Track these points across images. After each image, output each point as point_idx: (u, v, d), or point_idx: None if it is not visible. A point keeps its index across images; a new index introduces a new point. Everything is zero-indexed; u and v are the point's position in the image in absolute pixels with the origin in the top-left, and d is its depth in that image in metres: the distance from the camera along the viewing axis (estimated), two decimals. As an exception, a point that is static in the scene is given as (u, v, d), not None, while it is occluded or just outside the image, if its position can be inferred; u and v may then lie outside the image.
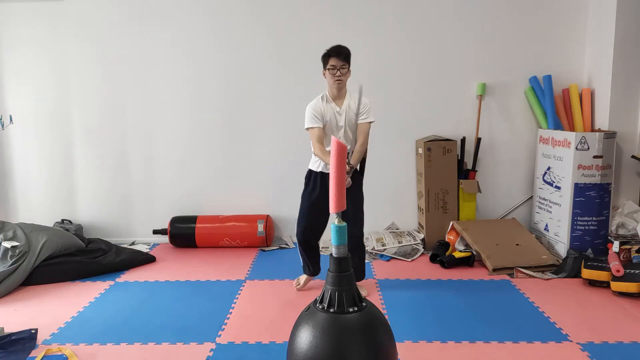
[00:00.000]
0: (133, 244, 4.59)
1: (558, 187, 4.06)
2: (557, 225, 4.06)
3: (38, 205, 4.64)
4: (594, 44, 4.25)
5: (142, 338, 2.82)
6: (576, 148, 3.85)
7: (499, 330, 2.85)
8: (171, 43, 4.43)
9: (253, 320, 3.03)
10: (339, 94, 3.15)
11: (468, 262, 3.88)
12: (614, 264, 3.35)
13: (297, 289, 3.44)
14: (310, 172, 3.25)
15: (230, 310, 3.18)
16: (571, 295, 3.34)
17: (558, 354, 2.60)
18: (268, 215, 4.48)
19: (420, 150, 4.36)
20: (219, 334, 2.85)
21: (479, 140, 4.40)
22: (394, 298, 3.32)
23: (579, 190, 3.89)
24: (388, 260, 4.07)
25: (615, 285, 3.28)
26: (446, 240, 4.19)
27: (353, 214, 3.04)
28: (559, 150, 4.04)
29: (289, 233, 4.55)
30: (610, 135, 3.87)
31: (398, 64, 4.41)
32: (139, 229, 4.65)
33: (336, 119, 3.15)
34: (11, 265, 3.51)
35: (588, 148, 3.84)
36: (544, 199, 4.26)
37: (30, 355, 2.63)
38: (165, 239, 4.57)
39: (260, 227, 4.36)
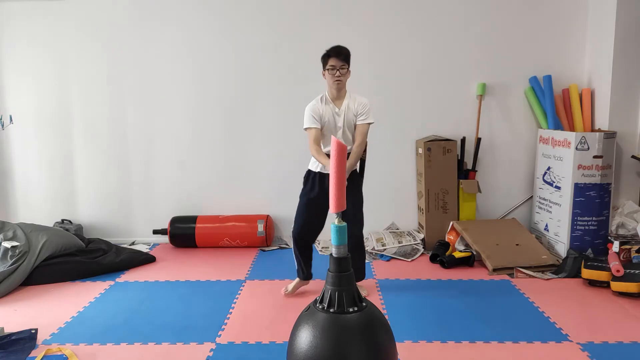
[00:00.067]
0: (133, 244, 4.59)
1: (558, 187, 4.06)
2: (557, 225, 4.06)
3: (38, 205, 4.64)
4: (594, 44, 4.25)
5: (142, 338, 2.82)
6: (576, 148, 3.85)
7: (499, 330, 2.85)
8: (172, 43, 4.43)
9: (253, 320, 3.03)
10: (338, 94, 3.15)
11: (468, 262, 3.88)
12: (614, 264, 3.35)
13: (285, 295, 3.36)
14: (309, 172, 3.25)
15: (230, 310, 3.18)
16: (571, 295, 3.34)
17: (558, 354, 2.60)
18: (268, 215, 4.48)
19: (420, 150, 4.36)
20: (219, 334, 2.85)
21: (479, 140, 4.40)
22: (394, 298, 3.32)
23: (579, 190, 3.89)
24: (388, 260, 4.07)
25: (615, 285, 3.28)
26: (446, 240, 4.19)
27: (353, 214, 3.04)
28: (559, 150, 4.04)
29: (289, 233, 4.54)
30: (610, 135, 3.87)
31: (398, 64, 4.41)
32: (139, 229, 4.65)
33: (335, 120, 3.14)
34: (11, 265, 3.51)
35: (588, 148, 3.84)
36: (544, 199, 4.26)
37: (30, 355, 2.63)
38: (165, 239, 4.57)
39: (260, 227, 4.37)
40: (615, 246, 3.63)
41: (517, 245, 3.96)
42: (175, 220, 4.46)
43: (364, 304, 1.96)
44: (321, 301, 1.96)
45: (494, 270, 3.72)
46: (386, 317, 2.46)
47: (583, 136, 3.85)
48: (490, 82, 4.41)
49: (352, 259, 2.04)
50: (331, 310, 1.90)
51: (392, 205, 4.58)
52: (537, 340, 2.73)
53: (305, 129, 3.15)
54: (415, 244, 4.26)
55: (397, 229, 4.55)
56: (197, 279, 3.73)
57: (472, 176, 4.40)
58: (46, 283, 3.63)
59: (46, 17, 4.40)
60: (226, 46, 4.43)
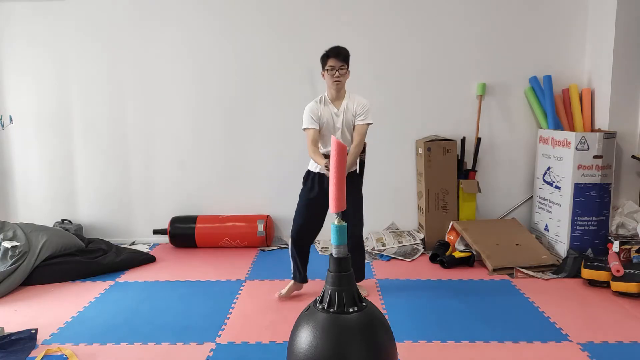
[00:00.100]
0: (133, 244, 4.59)
1: (558, 187, 4.06)
2: (557, 225, 4.06)
3: (38, 205, 4.64)
4: (594, 44, 4.25)
5: (142, 338, 2.82)
6: (576, 148, 3.85)
7: (499, 330, 2.85)
8: (172, 43, 4.43)
9: (253, 320, 3.03)
10: (337, 94, 3.14)
11: (468, 262, 3.88)
12: (614, 264, 3.35)
13: (280, 299, 3.29)
14: (308, 172, 3.24)
15: (230, 310, 3.18)
16: (571, 295, 3.34)
17: (558, 354, 2.60)
18: (268, 215, 4.48)
19: (420, 150, 4.36)
20: (219, 334, 2.85)
21: (479, 140, 4.40)
22: (394, 298, 3.32)
23: (579, 190, 3.89)
24: (388, 260, 4.07)
25: (615, 285, 3.28)
26: (446, 240, 4.19)
27: (353, 215, 3.03)
28: (559, 150, 4.04)
29: (289, 233, 4.53)
30: (610, 135, 3.87)
31: (398, 64, 4.41)
32: (139, 229, 4.65)
33: (333, 121, 3.13)
34: (11, 265, 3.51)
35: (588, 148, 3.84)
36: (544, 199, 4.26)
37: (30, 355, 2.63)
38: (165, 239, 4.57)
39: (260, 227, 4.37)
40: (615, 246, 3.63)
41: (517, 245, 3.96)
42: (175, 220, 4.46)
43: (364, 304, 1.96)
44: (321, 301, 1.96)
45: (494, 270, 3.72)
46: (386, 317, 2.46)
47: (583, 136, 3.85)
48: (490, 82, 4.41)
49: (352, 260, 2.04)
50: (331, 310, 1.90)
51: (392, 205, 4.58)
52: (537, 340, 2.73)
53: (304, 129, 3.15)
54: (415, 244, 4.26)
55: (397, 229, 4.55)
56: (197, 279, 3.73)
57: (472, 176, 4.40)
58: (46, 283, 3.63)
59: (46, 17, 4.40)
60: (226, 46, 4.43)
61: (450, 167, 4.31)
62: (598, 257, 3.75)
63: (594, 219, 3.90)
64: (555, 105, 4.21)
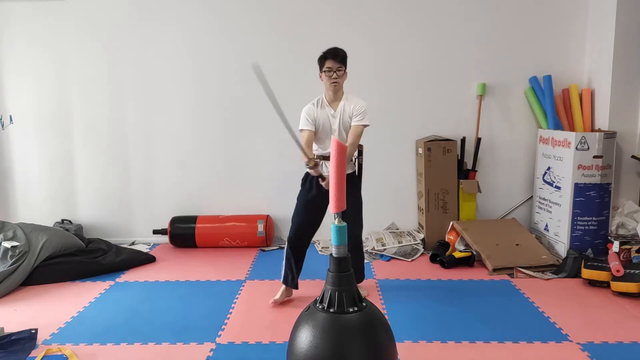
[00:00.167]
0: (133, 244, 4.59)
1: (558, 187, 4.06)
2: (557, 225, 4.06)
3: (38, 205, 4.64)
4: (594, 44, 4.25)
5: (142, 338, 2.82)
6: (576, 148, 3.85)
7: (499, 330, 2.85)
8: (173, 43, 4.43)
9: (253, 320, 3.03)
10: (335, 96, 3.13)
11: (468, 262, 3.88)
12: (614, 264, 3.35)
13: (274, 304, 3.21)
14: (307, 174, 3.21)
15: (230, 310, 3.18)
16: (571, 295, 3.34)
17: (558, 354, 2.60)
18: (268, 215, 4.48)
19: (420, 150, 4.36)
20: (219, 334, 2.85)
21: (479, 140, 4.40)
22: (394, 298, 3.32)
23: (579, 190, 3.89)
24: (388, 260, 4.07)
25: (615, 285, 3.28)
26: (446, 240, 4.19)
27: (353, 216, 3.02)
28: (559, 150, 4.04)
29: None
30: (610, 135, 3.87)
31: (398, 64, 4.41)
32: (139, 229, 4.65)
33: (330, 122, 3.12)
34: (11, 265, 3.51)
35: (588, 148, 3.84)
36: (544, 199, 4.26)
37: (30, 355, 2.63)
38: (165, 239, 4.57)
39: (260, 227, 4.37)
40: (615, 246, 3.63)
41: (517, 245, 3.96)
42: (175, 220, 4.46)
43: (364, 304, 1.96)
44: (321, 301, 1.96)
45: (494, 270, 3.72)
46: (386, 317, 2.46)
47: (583, 136, 3.85)
48: (490, 82, 4.41)
49: (353, 261, 2.04)
50: (331, 310, 1.90)
51: (392, 205, 4.58)
52: (537, 340, 2.73)
53: (300, 130, 3.15)
54: (415, 244, 4.26)
55: (397, 229, 4.55)
56: (197, 279, 3.73)
57: (472, 176, 4.40)
58: (46, 283, 3.63)
59: (46, 17, 4.40)
60: (226, 46, 4.43)
61: (450, 167, 4.31)
62: (598, 257, 3.75)
63: (594, 219, 3.90)
64: (555, 105, 4.21)
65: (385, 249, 4.17)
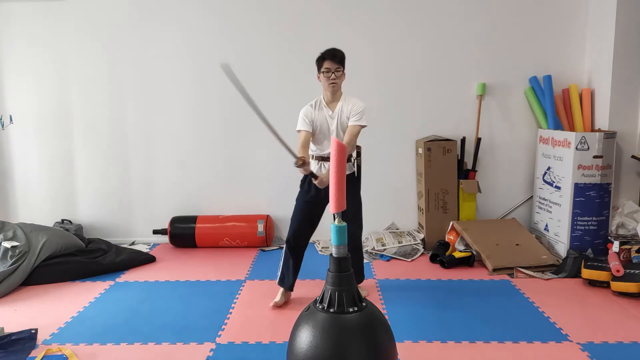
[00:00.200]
0: (133, 244, 4.59)
1: (558, 187, 4.06)
2: (557, 225, 4.06)
3: (38, 205, 4.64)
4: (594, 44, 4.25)
5: (142, 338, 2.82)
6: (576, 148, 3.85)
7: (499, 330, 2.85)
8: (173, 43, 4.43)
9: (253, 320, 3.03)
10: (333, 97, 3.12)
11: (468, 262, 3.88)
12: (614, 264, 3.35)
13: (273, 307, 3.18)
14: (305, 175, 3.21)
15: (230, 310, 3.18)
16: (571, 295, 3.34)
17: (558, 354, 2.60)
18: (268, 215, 4.48)
19: (420, 150, 4.36)
20: (219, 334, 2.85)
21: (479, 140, 4.40)
22: (394, 298, 3.32)
23: (579, 190, 3.89)
24: (388, 260, 4.07)
25: (615, 285, 3.28)
26: (446, 240, 4.19)
27: (352, 217, 3.00)
28: (559, 150, 4.04)
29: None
30: (610, 135, 3.87)
31: (398, 64, 4.41)
32: (139, 229, 4.65)
33: (328, 123, 3.11)
34: (11, 265, 3.51)
35: (588, 148, 3.84)
36: (544, 199, 4.26)
37: (30, 355, 2.63)
38: (165, 239, 4.57)
39: (260, 227, 4.37)
40: (615, 246, 3.63)
41: (517, 245, 3.96)
42: (175, 220, 4.46)
43: (364, 304, 1.96)
44: (321, 301, 1.96)
45: (494, 270, 3.72)
46: (386, 317, 2.46)
47: (583, 136, 3.85)
48: (490, 82, 4.41)
49: (353, 261, 2.04)
50: (331, 310, 1.90)
51: (392, 205, 4.58)
52: (537, 340, 2.73)
53: (297, 131, 3.15)
54: (415, 244, 4.26)
55: (397, 229, 4.55)
56: (197, 279, 3.73)
57: (472, 176, 4.40)
58: (46, 283, 3.63)
59: (46, 17, 4.40)
60: (226, 46, 4.43)
61: (450, 167, 4.31)
62: (598, 257, 3.75)
63: (594, 219, 3.90)
64: (555, 105, 4.21)
65: (385, 249, 4.17)
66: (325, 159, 3.12)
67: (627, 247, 3.64)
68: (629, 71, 4.05)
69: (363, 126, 3.10)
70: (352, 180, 3.16)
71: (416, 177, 4.54)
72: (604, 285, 3.40)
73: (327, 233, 3.29)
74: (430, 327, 2.89)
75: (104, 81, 4.49)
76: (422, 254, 4.18)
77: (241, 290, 3.51)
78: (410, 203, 4.59)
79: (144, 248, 4.44)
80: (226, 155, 4.56)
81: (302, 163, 2.92)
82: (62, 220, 4.56)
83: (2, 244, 3.64)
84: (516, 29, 4.35)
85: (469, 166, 4.44)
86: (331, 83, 3.05)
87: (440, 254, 3.96)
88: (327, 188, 2.96)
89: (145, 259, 4.08)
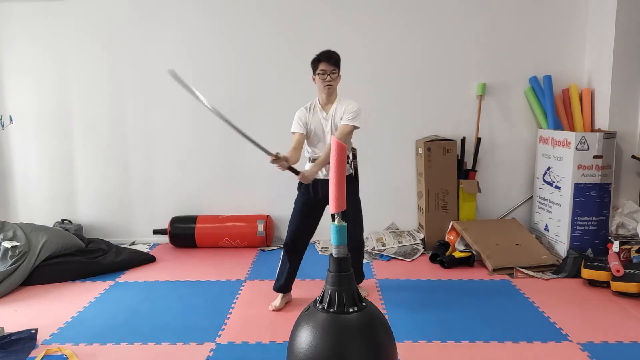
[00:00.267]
0: (133, 244, 4.59)
1: (558, 187, 4.06)
2: (557, 225, 4.06)
3: (38, 205, 4.64)
4: (594, 44, 4.25)
5: (142, 338, 2.82)
6: (576, 148, 3.85)
7: (499, 330, 2.85)
8: (173, 43, 4.43)
9: (253, 320, 3.03)
10: (328, 99, 3.10)
11: (468, 262, 3.88)
12: (614, 264, 3.35)
13: (273, 310, 3.16)
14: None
15: (230, 310, 3.18)
16: (571, 295, 3.34)
17: (558, 354, 2.60)
18: (268, 215, 4.48)
19: (420, 150, 4.36)
20: (219, 334, 2.85)
21: (479, 140, 4.40)
22: (394, 298, 3.32)
23: (579, 190, 3.89)
24: (388, 260, 4.07)
25: (615, 285, 3.28)
26: (446, 240, 4.19)
27: (352, 218, 2.98)
28: (559, 150, 4.04)
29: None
30: (610, 135, 3.87)
31: (398, 64, 4.41)
32: (139, 229, 4.65)
33: (322, 126, 3.09)
34: (11, 265, 3.51)
35: (588, 148, 3.84)
36: (544, 199, 4.26)
37: (30, 355, 2.63)
38: (165, 239, 4.57)
39: (260, 227, 4.37)
40: (615, 246, 3.63)
41: (517, 245, 3.96)
42: (175, 220, 4.46)
43: (364, 304, 1.96)
44: (321, 301, 1.96)
45: (494, 270, 3.72)
46: (386, 317, 2.46)
47: (583, 136, 3.85)
48: (490, 82, 4.41)
49: (353, 261, 2.04)
50: (331, 310, 1.90)
51: (392, 205, 4.58)
52: (537, 340, 2.73)
53: (292, 132, 3.15)
54: (415, 244, 4.26)
55: (397, 229, 4.55)
56: (197, 279, 3.73)
57: (472, 176, 4.40)
58: (46, 283, 3.63)
59: (46, 17, 4.40)
60: (226, 46, 4.43)
61: (450, 167, 4.31)
62: (598, 257, 3.75)
63: (594, 219, 3.89)
64: (555, 105, 4.21)
65: (385, 249, 4.17)
66: None
67: (627, 247, 3.64)
68: (629, 71, 4.05)
69: (355, 127, 3.04)
70: (350, 181, 3.15)
71: (416, 177, 4.54)
72: (604, 285, 3.40)
73: (327, 233, 3.29)
74: (430, 327, 2.89)
75: (104, 81, 4.49)
76: (422, 254, 4.18)
77: (241, 290, 3.51)
78: (410, 203, 4.59)
79: (144, 248, 4.44)
80: (226, 155, 4.56)
81: (276, 159, 2.87)
82: (62, 220, 4.56)
83: (2, 244, 3.64)
84: (516, 29, 4.35)
85: (469, 166, 4.44)
86: (327, 85, 3.03)
87: (440, 254, 3.96)
88: (325, 190, 2.97)
89: (145, 259, 4.08)
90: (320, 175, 3.07)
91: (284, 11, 4.37)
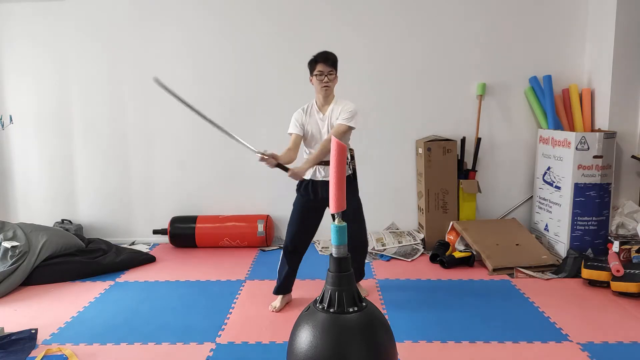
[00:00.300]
0: (133, 244, 4.59)
1: (558, 187, 4.06)
2: (557, 225, 4.06)
3: (38, 205, 4.64)
4: (594, 44, 4.25)
5: (142, 338, 2.82)
6: (576, 148, 3.85)
7: (499, 330, 2.85)
8: (173, 43, 4.43)
9: (253, 320, 3.03)
10: (325, 100, 3.09)
11: (468, 262, 3.88)
12: (614, 264, 3.35)
13: (273, 311, 3.16)
14: (301, 180, 3.14)
15: (230, 310, 3.18)
16: (571, 295, 3.33)
17: (558, 354, 2.60)
18: (268, 215, 4.48)
19: (420, 150, 4.36)
20: (219, 334, 2.86)
21: (479, 140, 4.40)
22: (394, 298, 3.32)
23: (579, 190, 3.89)
24: (388, 260, 4.07)
25: (615, 285, 3.28)
26: (446, 240, 4.19)
27: (353, 219, 2.97)
28: (559, 150, 4.04)
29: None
30: (610, 135, 3.87)
31: (398, 64, 4.41)
32: (139, 229, 4.65)
33: (319, 127, 3.09)
34: (11, 265, 3.51)
35: (588, 148, 3.84)
36: (544, 199, 4.26)
37: (30, 355, 2.63)
38: (165, 239, 4.57)
39: (260, 227, 4.37)
40: (615, 246, 3.63)
41: (517, 245, 3.96)
42: (175, 220, 4.46)
43: (364, 304, 1.96)
44: (321, 301, 1.96)
45: (494, 270, 3.72)
46: (386, 317, 2.46)
47: (583, 136, 3.85)
48: (490, 82, 4.41)
49: (353, 260, 2.04)
50: (331, 310, 1.90)
51: (392, 205, 4.58)
52: (537, 340, 2.73)
53: (289, 133, 3.14)
54: (415, 244, 4.26)
55: (397, 229, 4.55)
56: (197, 279, 3.73)
57: (472, 176, 4.40)
58: (46, 283, 3.63)
59: (46, 17, 4.40)
60: (226, 46, 4.43)
61: (450, 167, 4.31)
62: (598, 257, 3.75)
63: (594, 219, 3.89)
64: (555, 105, 4.21)
65: (385, 249, 4.17)
66: (319, 162, 3.07)
67: (627, 247, 3.64)
68: (629, 71, 4.05)
69: (351, 127, 3.02)
70: (349, 182, 3.14)
71: (416, 177, 4.54)
72: (604, 285, 3.40)
73: (327, 233, 3.29)
74: (430, 327, 2.89)
75: (104, 81, 4.49)
76: (422, 254, 4.18)
77: (241, 290, 3.51)
78: (410, 203, 4.59)
79: (144, 248, 4.44)
80: (226, 155, 4.56)
81: (264, 157, 2.87)
82: (62, 220, 4.56)
83: (2, 244, 3.64)
84: (516, 29, 4.35)
85: (469, 166, 4.44)
86: (324, 86, 3.03)
87: (440, 254, 3.96)
88: (325, 192, 2.96)
89: (145, 259, 4.08)
90: (320, 176, 3.06)
91: (284, 11, 4.37)
